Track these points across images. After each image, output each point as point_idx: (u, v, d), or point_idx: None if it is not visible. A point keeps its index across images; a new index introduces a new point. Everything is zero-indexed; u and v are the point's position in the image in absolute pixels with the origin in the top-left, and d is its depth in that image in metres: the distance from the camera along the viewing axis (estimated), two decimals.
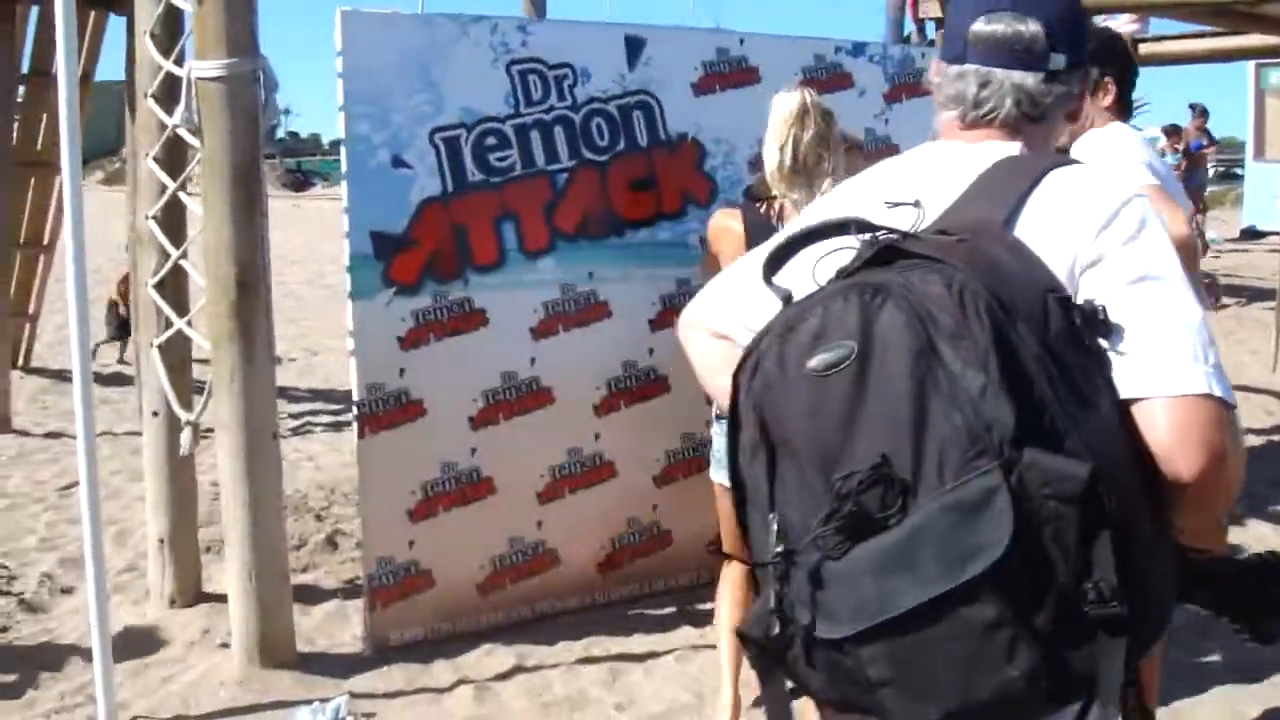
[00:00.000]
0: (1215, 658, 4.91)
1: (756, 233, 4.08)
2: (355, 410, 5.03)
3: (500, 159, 5.29)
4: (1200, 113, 18.94)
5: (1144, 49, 12.28)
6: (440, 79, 5.14)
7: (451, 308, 5.19)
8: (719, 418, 4.46)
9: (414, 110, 5.09)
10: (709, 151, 5.78)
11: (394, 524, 5.09)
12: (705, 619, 5.36)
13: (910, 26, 15.11)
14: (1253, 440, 8.23)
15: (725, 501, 4.45)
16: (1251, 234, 21.74)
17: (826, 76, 6.20)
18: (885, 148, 6.08)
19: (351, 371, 5.03)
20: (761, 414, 1.64)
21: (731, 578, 4.42)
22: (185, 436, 5.05)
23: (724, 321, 2.04)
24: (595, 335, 5.52)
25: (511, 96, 5.31)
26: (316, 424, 9.43)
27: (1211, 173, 35.16)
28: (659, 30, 5.81)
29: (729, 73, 5.87)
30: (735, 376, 1.70)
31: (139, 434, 8.36)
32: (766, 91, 5.85)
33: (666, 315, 5.68)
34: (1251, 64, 20.02)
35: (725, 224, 4.37)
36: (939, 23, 8.04)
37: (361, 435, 5.03)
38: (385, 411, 5.05)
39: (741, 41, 5.93)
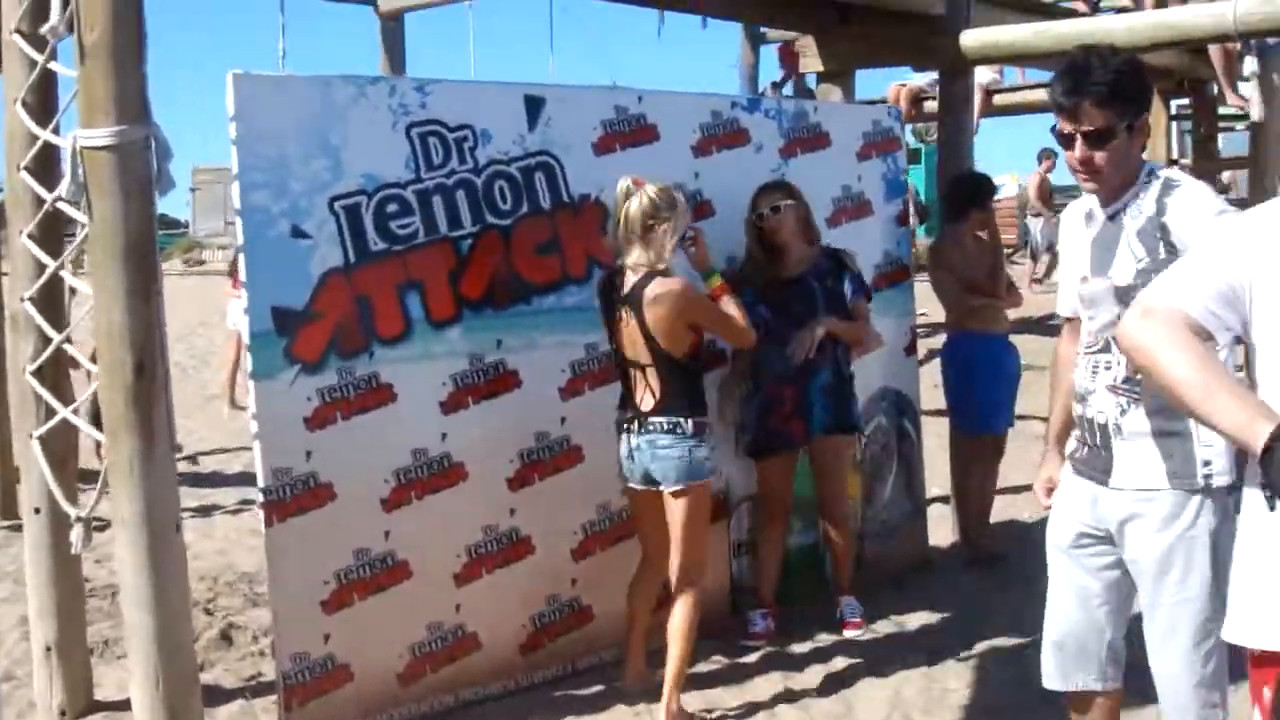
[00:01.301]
0: None
1: (603, 297, 5.19)
2: (262, 497, 4.71)
3: (402, 226, 5.05)
4: (1047, 156, 18.80)
5: (999, 99, 12.54)
6: (339, 144, 4.88)
7: (358, 384, 4.91)
8: (626, 430, 5.10)
9: (312, 177, 4.82)
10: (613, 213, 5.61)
11: (307, 617, 4.77)
12: (637, 696, 5.16)
13: (764, 82, 15.35)
14: None
15: (640, 506, 5.20)
16: None
17: (723, 133, 6.11)
18: None
19: (256, 456, 4.73)
20: None
21: (642, 579, 5.30)
22: (76, 534, 4.67)
23: (1191, 304, 2.50)
24: (506, 407, 5.29)
25: (412, 160, 5.08)
26: (183, 510, 8.95)
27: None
28: (558, 89, 5.67)
29: (628, 131, 5.73)
30: None
31: None
32: (665, 149, 5.80)
33: (577, 383, 5.51)
34: None
35: None
36: (820, 76, 8.02)
37: (269, 524, 4.71)
38: (293, 497, 4.74)
39: (639, 99, 5.79)
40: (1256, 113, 9.87)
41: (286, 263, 4.78)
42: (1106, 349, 3.52)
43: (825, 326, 5.81)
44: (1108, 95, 3.38)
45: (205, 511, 8.75)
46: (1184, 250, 3.29)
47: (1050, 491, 3.92)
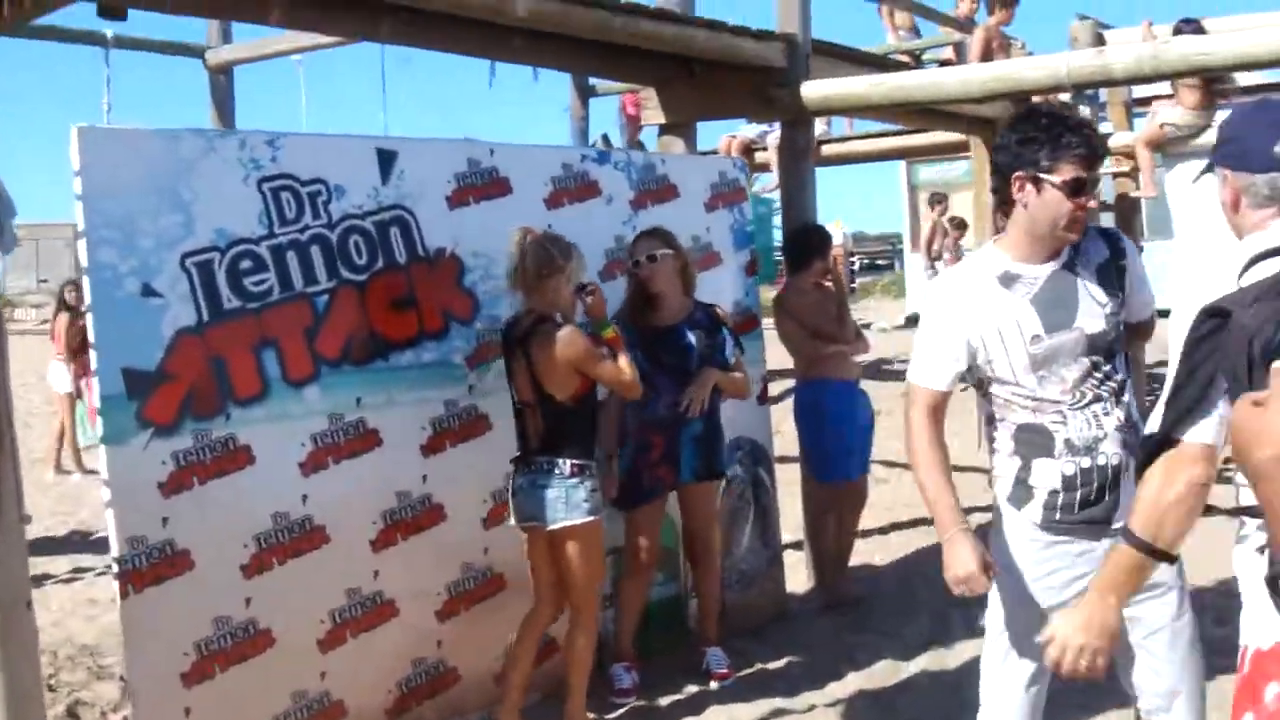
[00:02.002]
0: None
1: (504, 338, 5.36)
2: (116, 567, 4.51)
3: (257, 283, 4.90)
4: (938, 202, 19.56)
5: (826, 150, 12.75)
6: (189, 199, 4.73)
7: (214, 446, 4.74)
8: (514, 469, 5.23)
9: (162, 233, 4.66)
10: (468, 266, 5.56)
11: (167, 691, 4.57)
12: None
13: (595, 135, 15.35)
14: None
15: (529, 545, 5.23)
16: (915, 322, 22.72)
17: (575, 185, 6.10)
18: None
19: (110, 524, 4.53)
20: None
21: (532, 620, 5.28)
22: None
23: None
24: (367, 466, 5.17)
25: (265, 216, 4.94)
26: None
27: (857, 265, 36.94)
28: (410, 142, 5.58)
29: (481, 185, 5.68)
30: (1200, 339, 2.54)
31: None
32: (518, 202, 5.76)
33: (437, 441, 5.42)
34: (902, 163, 21.12)
35: None
36: (663, 128, 8.02)
37: (125, 595, 4.50)
38: (149, 565, 4.54)
39: (492, 152, 5.75)
40: None
41: (137, 322, 4.59)
42: (1098, 398, 3.52)
43: (713, 380, 5.85)
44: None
45: (36, 581, 8.32)
46: (1131, 289, 3.54)
47: (988, 571, 3.52)
